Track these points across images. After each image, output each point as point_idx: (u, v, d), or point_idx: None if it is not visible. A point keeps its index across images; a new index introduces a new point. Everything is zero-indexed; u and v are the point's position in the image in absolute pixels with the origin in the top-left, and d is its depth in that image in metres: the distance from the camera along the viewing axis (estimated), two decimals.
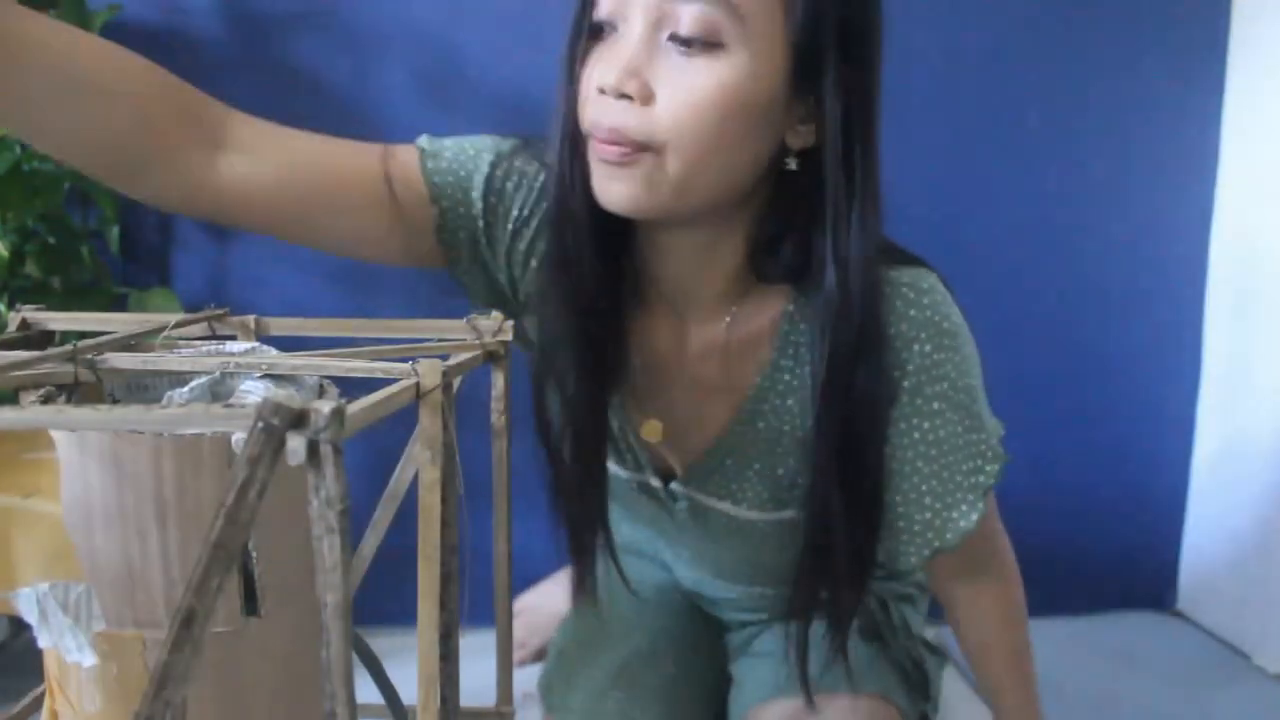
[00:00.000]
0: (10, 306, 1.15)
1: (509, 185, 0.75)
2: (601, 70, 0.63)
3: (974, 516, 0.73)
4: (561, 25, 1.31)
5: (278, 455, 0.32)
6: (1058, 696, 1.18)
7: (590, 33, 0.66)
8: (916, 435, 0.71)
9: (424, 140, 0.76)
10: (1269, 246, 1.29)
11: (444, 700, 0.46)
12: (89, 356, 0.46)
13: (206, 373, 0.45)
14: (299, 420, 0.31)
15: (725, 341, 0.73)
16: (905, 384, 0.70)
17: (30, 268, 1.17)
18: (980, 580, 0.85)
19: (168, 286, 1.31)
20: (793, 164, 0.66)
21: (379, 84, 1.31)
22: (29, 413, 0.33)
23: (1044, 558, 1.40)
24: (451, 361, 0.44)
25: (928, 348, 0.69)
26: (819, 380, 0.67)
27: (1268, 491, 1.28)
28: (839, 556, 0.72)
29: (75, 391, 0.44)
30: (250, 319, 0.60)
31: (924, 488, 0.73)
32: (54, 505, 0.36)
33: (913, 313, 0.69)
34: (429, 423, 0.45)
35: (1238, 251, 1.35)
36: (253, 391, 0.42)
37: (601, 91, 0.63)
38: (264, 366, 0.45)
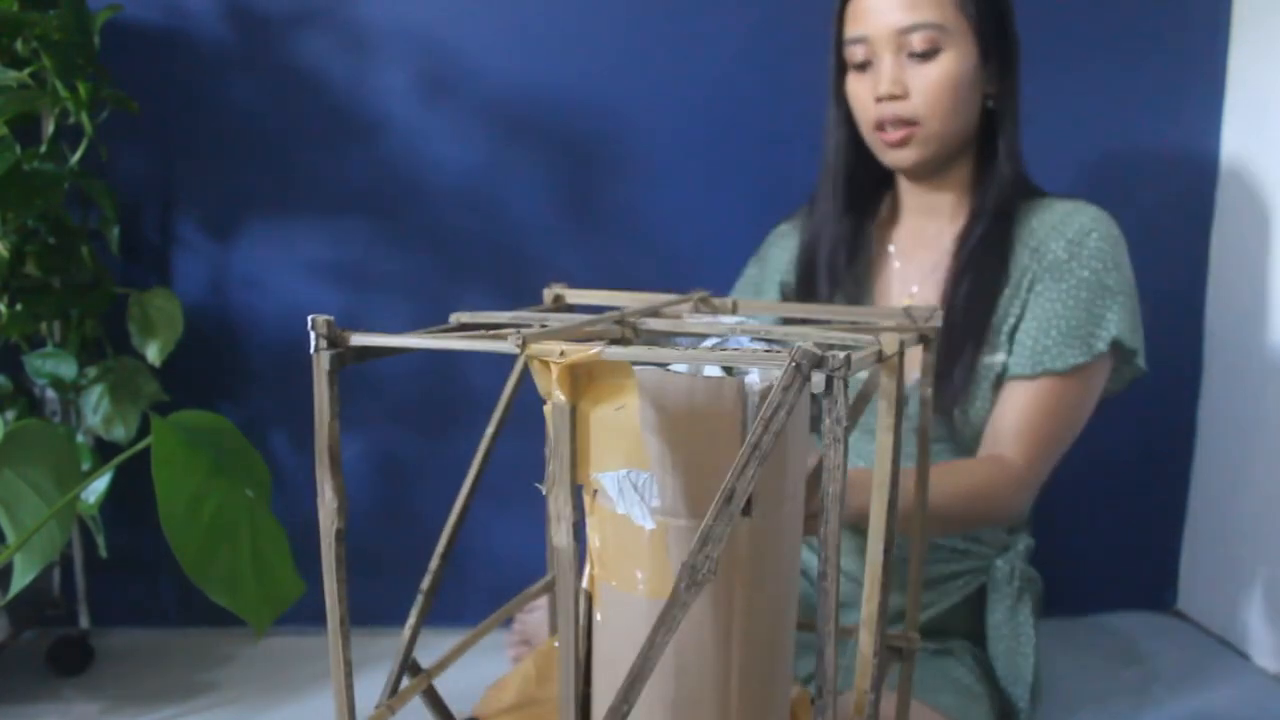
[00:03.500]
0: (10, 306, 1.15)
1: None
2: (874, 87, 1.00)
3: (1074, 360, 0.98)
4: (560, 25, 1.31)
5: (804, 386, 0.45)
6: (1058, 696, 1.18)
7: (852, 69, 1.03)
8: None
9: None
10: (1269, 246, 1.29)
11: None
12: (631, 320, 0.61)
13: (719, 335, 0.61)
14: (819, 362, 0.44)
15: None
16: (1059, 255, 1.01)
17: (30, 268, 1.17)
18: (987, 457, 0.99)
19: (168, 286, 1.32)
20: (991, 104, 1.03)
21: (379, 84, 1.31)
22: (630, 350, 0.50)
23: (1044, 558, 1.41)
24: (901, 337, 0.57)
25: (1095, 235, 1.01)
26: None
27: (1268, 491, 1.28)
28: None
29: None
30: (729, 301, 0.74)
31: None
32: (634, 418, 0.51)
33: (1094, 211, 1.04)
34: (887, 381, 0.57)
35: (1238, 251, 1.35)
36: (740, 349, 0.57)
37: (878, 100, 1.00)
38: (761, 331, 0.61)
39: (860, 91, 1.02)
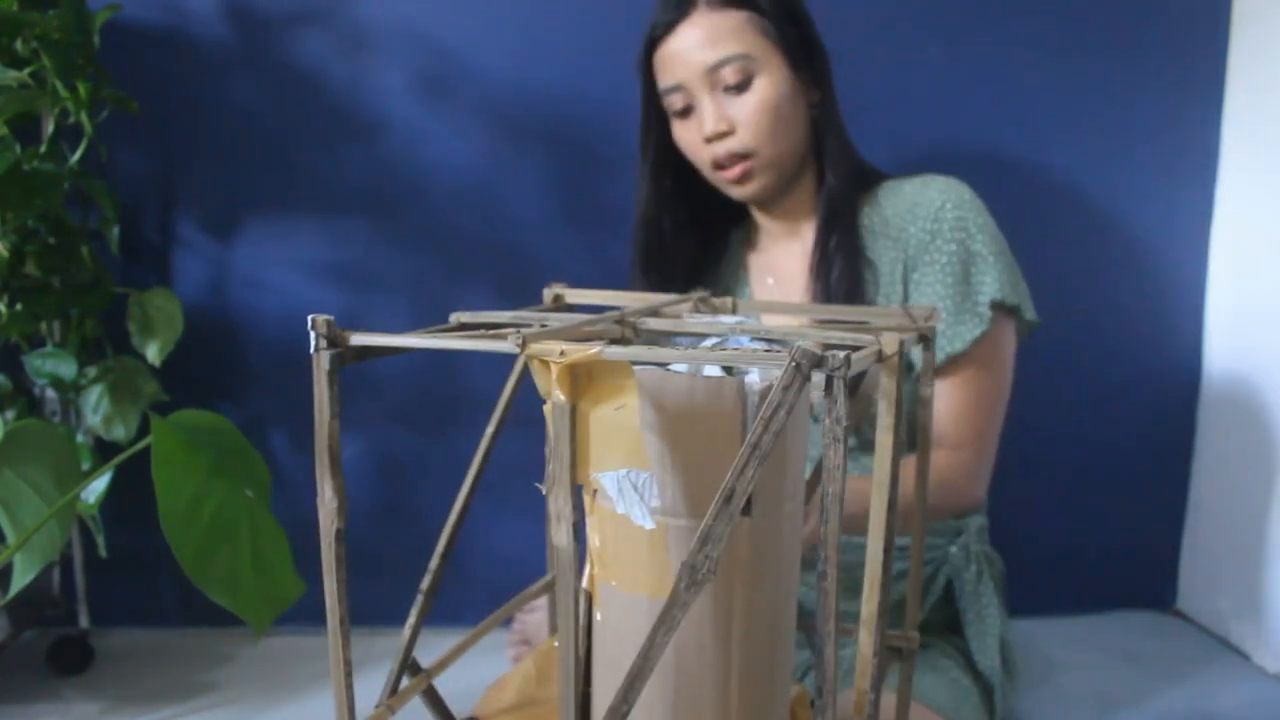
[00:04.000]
0: (10, 306, 1.15)
1: None
2: (700, 129, 1.01)
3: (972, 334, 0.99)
4: (560, 25, 1.31)
5: (804, 386, 0.45)
6: (1058, 696, 1.18)
7: (674, 118, 1.04)
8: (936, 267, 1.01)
9: None
10: (1269, 246, 1.29)
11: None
12: (631, 320, 0.61)
13: (719, 335, 0.61)
14: (819, 362, 0.44)
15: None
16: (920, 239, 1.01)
17: (30, 268, 1.17)
18: (937, 451, 1.01)
19: (168, 286, 1.32)
20: (814, 111, 1.05)
21: (379, 84, 1.31)
22: (630, 350, 0.50)
23: (1044, 558, 1.41)
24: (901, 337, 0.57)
25: (949, 206, 1.01)
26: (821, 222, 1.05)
27: (1268, 491, 1.28)
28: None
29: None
30: (729, 300, 0.75)
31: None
32: (634, 418, 0.51)
33: (940, 181, 1.03)
34: (887, 381, 0.57)
35: (1238, 252, 1.35)
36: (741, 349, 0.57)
37: (708, 140, 1.01)
38: (760, 331, 0.61)
39: (688, 137, 1.04)
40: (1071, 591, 1.44)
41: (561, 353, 0.49)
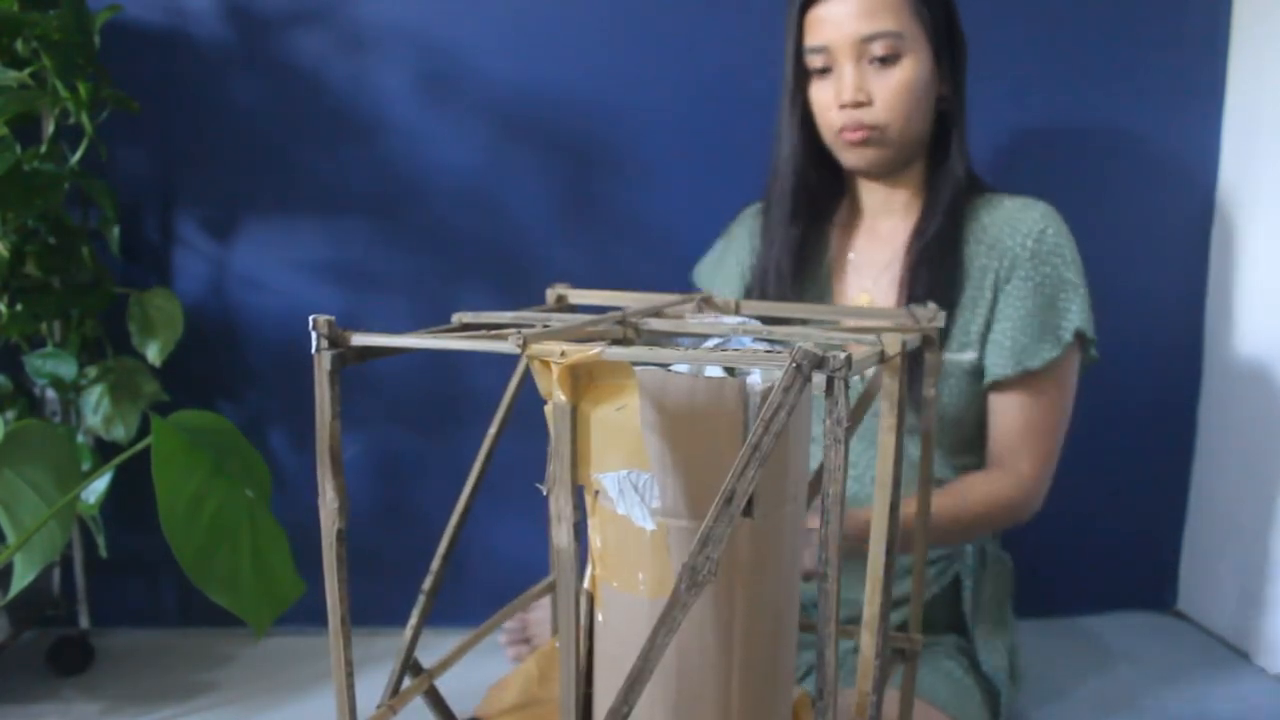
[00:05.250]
0: (10, 306, 1.15)
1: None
2: (836, 92, 1.02)
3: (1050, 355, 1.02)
4: (560, 25, 1.31)
5: (804, 386, 0.45)
6: (1058, 696, 1.18)
7: (813, 75, 1.05)
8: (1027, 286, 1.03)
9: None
10: (1269, 246, 1.29)
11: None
12: (633, 321, 0.61)
13: (720, 336, 0.61)
14: (820, 363, 0.44)
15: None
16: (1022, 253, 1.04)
17: (30, 268, 1.17)
18: (997, 469, 1.04)
19: (168, 286, 1.31)
20: (942, 105, 1.07)
21: (379, 84, 1.31)
22: (631, 351, 0.50)
23: (1044, 558, 1.41)
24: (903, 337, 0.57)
25: (1050, 231, 1.04)
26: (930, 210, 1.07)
27: (1268, 491, 1.28)
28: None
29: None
30: (732, 301, 0.74)
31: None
32: (635, 418, 0.51)
33: (1043, 207, 1.06)
34: (889, 380, 0.57)
35: (1238, 251, 1.35)
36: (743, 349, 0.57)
37: (842, 107, 1.02)
38: (763, 332, 0.61)
39: (822, 97, 1.05)
40: (1071, 591, 1.44)
41: (562, 353, 0.49)
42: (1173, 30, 1.35)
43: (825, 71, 1.04)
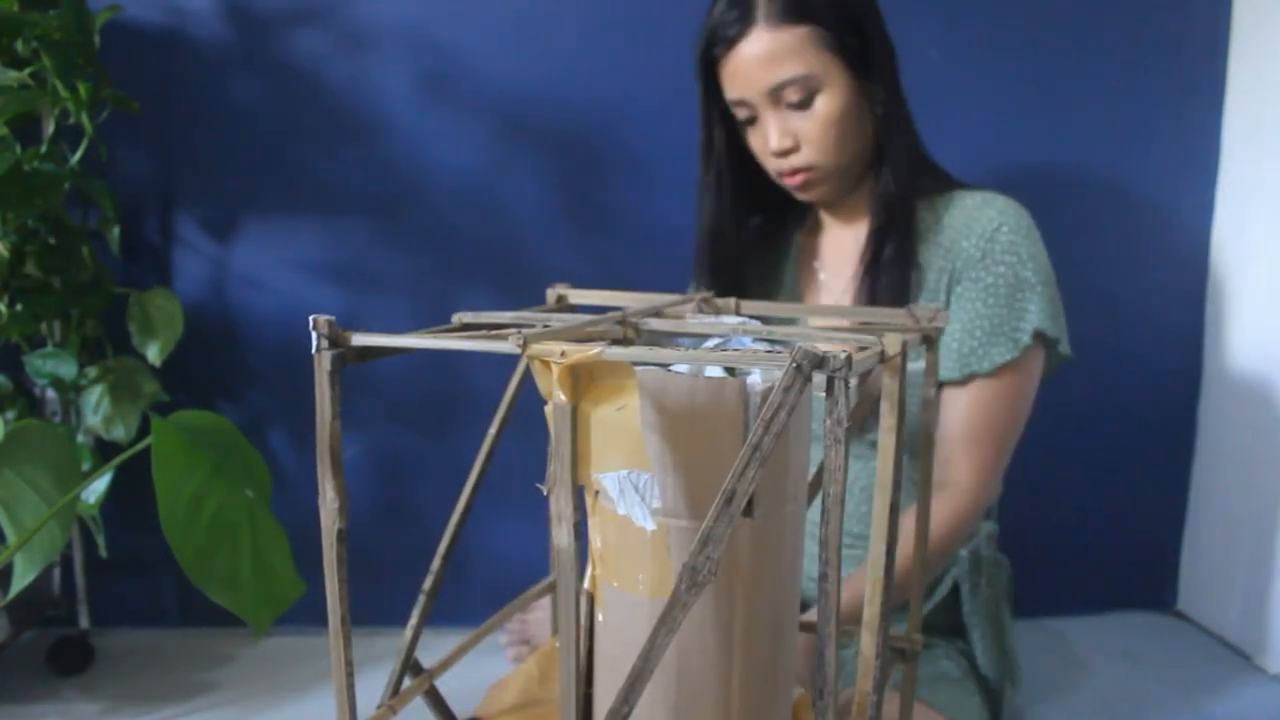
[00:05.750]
0: (10, 306, 1.15)
1: None
2: (766, 141, 1.02)
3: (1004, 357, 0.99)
4: (560, 26, 1.31)
5: (804, 387, 0.45)
6: (1058, 696, 1.18)
7: (741, 123, 1.05)
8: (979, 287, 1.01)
9: None
10: (1269, 246, 1.29)
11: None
12: (633, 321, 0.61)
13: (721, 336, 0.61)
14: (820, 363, 0.44)
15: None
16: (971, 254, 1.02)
17: (30, 268, 1.17)
18: (937, 494, 1.00)
19: (168, 286, 1.31)
20: (880, 110, 1.03)
21: (379, 84, 1.31)
22: (631, 351, 0.50)
23: (1044, 558, 1.41)
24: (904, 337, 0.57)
25: (1005, 230, 1.01)
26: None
27: (1268, 491, 1.28)
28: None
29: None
30: (732, 301, 0.74)
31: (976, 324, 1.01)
32: (636, 418, 0.51)
33: (1001, 202, 1.03)
34: (890, 381, 0.57)
35: (1238, 251, 1.35)
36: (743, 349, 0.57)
37: (774, 155, 1.02)
38: (764, 332, 0.61)
39: (756, 144, 1.05)
40: (1071, 592, 1.44)
41: (562, 353, 0.49)
42: (1173, 30, 1.35)
43: (752, 121, 1.03)
